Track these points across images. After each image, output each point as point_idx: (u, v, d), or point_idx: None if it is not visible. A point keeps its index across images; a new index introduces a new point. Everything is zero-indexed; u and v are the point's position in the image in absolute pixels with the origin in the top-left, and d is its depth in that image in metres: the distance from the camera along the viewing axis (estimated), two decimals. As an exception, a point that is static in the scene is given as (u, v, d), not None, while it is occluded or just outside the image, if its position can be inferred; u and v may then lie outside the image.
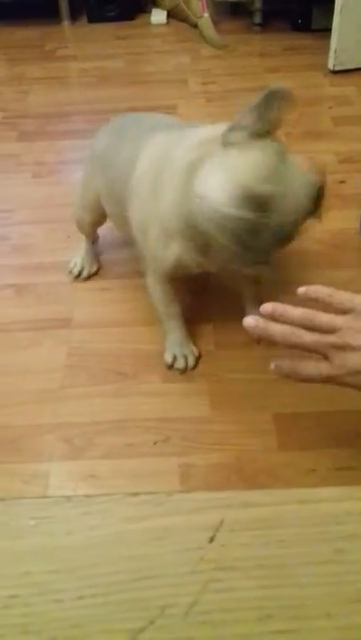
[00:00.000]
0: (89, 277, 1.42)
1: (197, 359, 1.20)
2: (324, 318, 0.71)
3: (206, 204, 0.84)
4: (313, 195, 0.88)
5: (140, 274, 1.22)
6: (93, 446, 1.06)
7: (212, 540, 0.36)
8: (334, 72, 2.18)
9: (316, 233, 1.48)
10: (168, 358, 1.19)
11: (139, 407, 1.12)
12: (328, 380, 0.73)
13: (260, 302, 1.29)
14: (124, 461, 1.04)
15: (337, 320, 0.71)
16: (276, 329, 0.72)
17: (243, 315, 1.31)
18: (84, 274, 1.42)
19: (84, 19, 2.82)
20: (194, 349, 1.21)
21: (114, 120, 1.29)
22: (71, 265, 1.42)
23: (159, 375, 1.18)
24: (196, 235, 0.92)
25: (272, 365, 0.78)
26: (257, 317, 0.74)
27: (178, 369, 1.18)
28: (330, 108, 2.02)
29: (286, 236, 0.88)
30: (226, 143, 0.87)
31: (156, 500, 0.39)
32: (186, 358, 1.19)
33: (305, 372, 0.75)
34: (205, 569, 0.35)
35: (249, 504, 0.37)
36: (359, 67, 2.13)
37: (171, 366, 1.19)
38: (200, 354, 1.21)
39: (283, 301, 0.75)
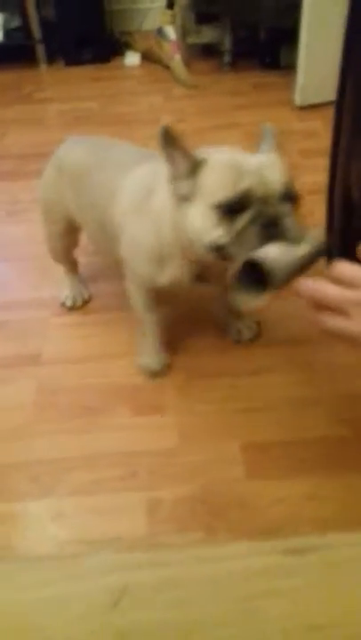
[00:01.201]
0: (84, 305, 1.44)
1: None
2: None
3: (195, 236, 0.90)
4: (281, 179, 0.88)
5: (110, 308, 1.24)
6: (61, 484, 1.06)
7: (116, 603, 0.35)
8: (301, 108, 2.25)
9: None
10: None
11: (107, 442, 1.12)
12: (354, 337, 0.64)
13: (240, 316, 1.30)
14: (92, 498, 1.03)
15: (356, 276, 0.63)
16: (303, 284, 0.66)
17: (213, 345, 1.33)
18: (78, 302, 1.44)
19: (62, 62, 2.90)
20: (163, 357, 1.25)
21: (78, 139, 1.30)
22: (62, 299, 1.44)
23: (128, 408, 1.18)
24: (193, 257, 0.98)
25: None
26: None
27: (151, 374, 1.24)
28: (297, 142, 2.07)
29: (269, 224, 0.84)
30: (180, 197, 0.91)
31: (62, 564, 0.38)
32: (158, 362, 1.25)
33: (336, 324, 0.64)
34: (108, 635, 0.34)
35: (155, 564, 0.37)
36: (324, 101, 2.19)
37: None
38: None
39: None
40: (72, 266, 1.46)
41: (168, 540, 0.96)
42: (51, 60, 2.91)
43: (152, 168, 1.05)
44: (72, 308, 1.44)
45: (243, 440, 1.10)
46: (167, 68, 2.69)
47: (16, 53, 2.89)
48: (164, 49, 2.69)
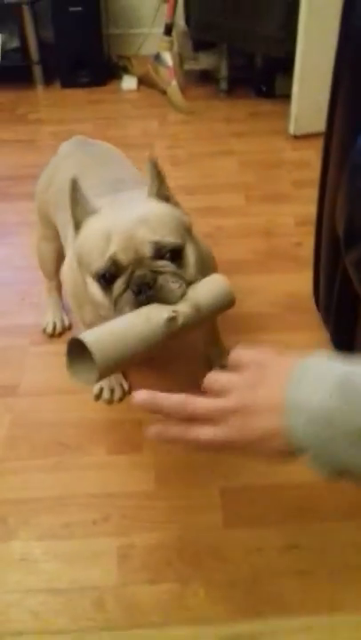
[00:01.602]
0: (63, 332, 1.40)
1: (126, 394, 1.23)
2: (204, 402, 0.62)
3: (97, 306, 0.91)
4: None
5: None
6: (29, 526, 1.00)
7: None
8: (295, 137, 2.23)
9: (271, 295, 1.47)
10: (95, 390, 1.22)
11: (80, 482, 1.07)
12: (225, 445, 0.61)
13: (225, 354, 1.26)
14: (61, 543, 0.98)
15: (226, 383, 0.62)
16: (166, 401, 0.63)
17: (194, 382, 1.29)
18: (58, 328, 1.40)
19: (58, 84, 2.90)
20: (123, 383, 1.24)
21: (78, 145, 1.28)
22: (44, 325, 1.41)
23: (104, 447, 1.13)
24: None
25: (152, 431, 0.65)
26: (145, 391, 0.65)
27: (104, 400, 1.21)
28: (290, 171, 2.05)
29: (141, 289, 0.83)
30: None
31: None
32: (112, 391, 1.22)
33: (195, 434, 0.61)
34: None
35: None
36: (318, 131, 2.17)
37: (98, 397, 1.22)
38: (130, 389, 1.23)
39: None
40: (56, 283, 1.42)
41: (140, 591, 0.91)
42: (47, 81, 2.90)
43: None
44: (52, 335, 1.40)
45: (221, 483, 1.05)
46: (163, 93, 2.69)
47: (13, 74, 2.89)
48: (160, 74, 2.69)
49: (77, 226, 0.90)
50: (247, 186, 1.97)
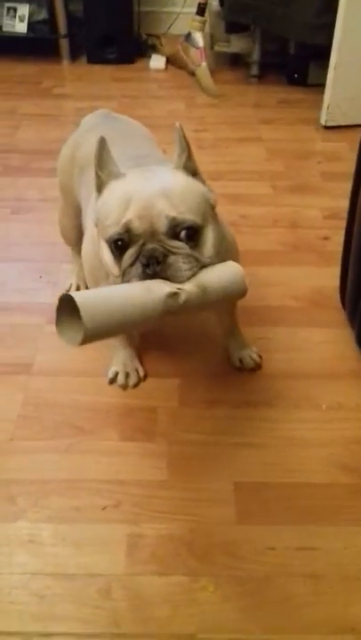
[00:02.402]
0: None
1: (142, 380, 1.20)
2: None
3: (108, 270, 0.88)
4: None
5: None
6: (38, 508, 0.98)
7: None
8: (326, 127, 2.18)
9: (294, 289, 1.44)
10: (110, 373, 1.20)
11: (91, 466, 1.05)
12: None
13: (243, 345, 1.22)
14: (69, 527, 0.96)
15: None
16: None
17: (211, 370, 1.26)
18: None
19: (84, 59, 2.84)
20: (139, 369, 1.21)
21: (102, 119, 1.25)
22: (67, 287, 1.42)
23: (117, 432, 1.11)
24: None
25: None
26: None
27: (119, 385, 1.19)
28: (319, 162, 2.00)
29: (150, 262, 0.81)
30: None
31: None
32: (128, 376, 1.19)
33: None
34: None
35: None
36: (351, 123, 2.13)
37: (112, 381, 1.19)
38: (145, 376, 1.21)
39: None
40: (79, 250, 1.40)
41: (148, 583, 0.89)
42: (74, 56, 2.84)
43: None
44: None
45: (235, 478, 1.03)
46: (192, 74, 2.63)
47: (39, 46, 2.84)
48: (190, 55, 2.63)
49: (100, 187, 0.86)
50: (274, 175, 1.93)
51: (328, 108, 2.14)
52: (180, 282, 0.80)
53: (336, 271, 1.46)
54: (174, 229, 0.82)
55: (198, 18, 2.56)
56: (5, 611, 0.86)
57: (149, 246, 0.81)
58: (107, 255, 0.85)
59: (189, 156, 0.88)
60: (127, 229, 0.81)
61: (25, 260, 1.53)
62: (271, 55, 2.64)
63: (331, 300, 1.38)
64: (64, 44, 2.80)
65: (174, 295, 0.79)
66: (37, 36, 2.79)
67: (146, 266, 0.81)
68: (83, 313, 0.73)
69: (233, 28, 2.56)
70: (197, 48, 2.58)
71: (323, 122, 2.18)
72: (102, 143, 0.84)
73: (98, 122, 1.25)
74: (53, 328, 1.32)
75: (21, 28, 2.75)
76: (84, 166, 1.15)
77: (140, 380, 1.20)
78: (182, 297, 0.79)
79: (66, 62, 2.83)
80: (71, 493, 1.01)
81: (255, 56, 2.59)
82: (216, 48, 2.74)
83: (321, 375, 1.22)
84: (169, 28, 2.94)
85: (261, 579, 0.90)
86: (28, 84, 2.60)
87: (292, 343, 1.29)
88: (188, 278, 0.81)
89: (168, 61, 2.80)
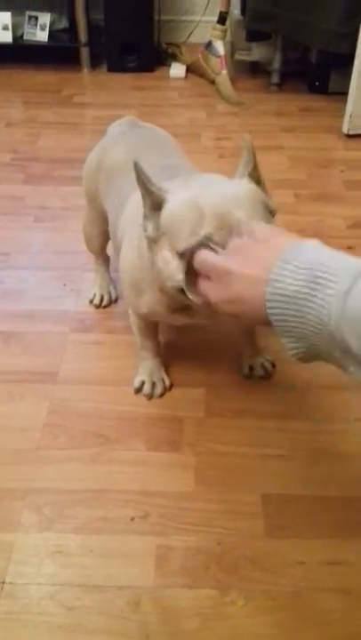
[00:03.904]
0: (109, 304, 1.42)
1: (167, 389, 1.20)
2: None
3: (164, 279, 0.86)
4: None
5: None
6: (64, 518, 0.98)
7: None
8: (349, 136, 2.17)
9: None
10: (136, 383, 1.19)
11: (118, 476, 1.04)
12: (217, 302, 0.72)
13: (257, 352, 1.23)
14: (97, 538, 0.95)
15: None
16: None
17: (238, 380, 1.25)
18: (105, 301, 1.42)
19: (104, 67, 2.86)
20: (165, 379, 1.21)
21: (130, 128, 1.24)
22: (90, 296, 1.42)
23: (143, 442, 1.10)
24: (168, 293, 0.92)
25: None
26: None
27: (145, 395, 1.18)
28: (342, 171, 1.99)
29: None
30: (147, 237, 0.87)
31: None
32: (154, 385, 1.19)
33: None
34: None
35: None
36: (374, 132, 2.12)
37: (138, 391, 1.19)
38: (171, 385, 1.21)
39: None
40: (103, 259, 1.43)
41: (177, 595, 0.88)
42: (94, 64, 2.86)
43: None
44: (98, 307, 1.41)
45: (264, 491, 1.02)
46: (212, 83, 2.64)
47: (60, 55, 2.86)
48: (211, 64, 2.64)
49: (157, 206, 0.83)
50: (297, 183, 1.92)
51: (351, 116, 2.13)
52: None
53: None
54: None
55: (219, 26, 2.57)
56: (34, 622, 0.85)
57: None
58: (173, 266, 0.82)
59: (255, 166, 0.87)
60: (204, 242, 0.78)
61: (48, 268, 1.54)
62: (292, 63, 2.63)
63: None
64: (84, 53, 2.82)
65: None
66: (58, 44, 2.82)
67: None
68: None
69: (254, 36, 2.56)
70: (218, 56, 2.59)
71: (345, 130, 2.17)
72: (138, 168, 0.82)
73: (124, 130, 1.25)
74: (78, 336, 1.34)
75: (42, 36, 2.77)
76: (112, 173, 1.15)
77: (165, 390, 1.19)
78: None
79: (86, 71, 2.85)
80: (98, 504, 1.00)
81: (276, 64, 2.59)
82: (237, 56, 2.74)
83: (349, 387, 1.20)
84: (189, 36, 2.96)
85: (291, 593, 0.89)
86: (49, 92, 2.62)
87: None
88: None
89: (188, 70, 2.81)
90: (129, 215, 1.04)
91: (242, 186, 0.83)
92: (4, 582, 0.89)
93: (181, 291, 0.83)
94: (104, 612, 0.86)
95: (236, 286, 0.67)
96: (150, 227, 0.84)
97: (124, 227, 1.05)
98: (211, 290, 0.72)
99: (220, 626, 0.85)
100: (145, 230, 0.86)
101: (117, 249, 1.11)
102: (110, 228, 1.17)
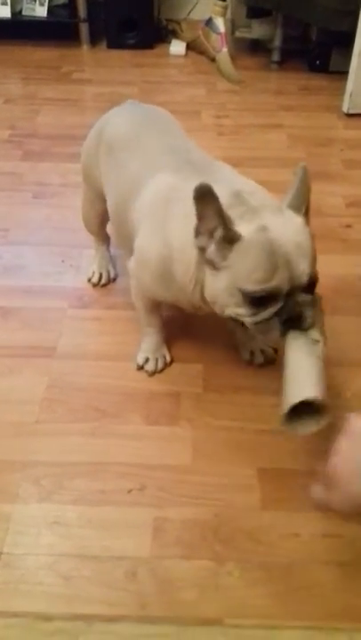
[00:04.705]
0: (107, 284, 1.41)
1: (168, 364, 1.21)
2: None
3: (214, 301, 0.93)
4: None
5: (133, 306, 1.16)
6: (63, 490, 0.99)
7: None
8: (349, 115, 2.15)
9: (320, 277, 1.42)
10: (140, 360, 1.20)
11: (116, 450, 1.05)
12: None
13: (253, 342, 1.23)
14: (95, 509, 0.96)
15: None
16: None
17: (235, 356, 1.26)
18: (103, 280, 1.41)
19: (104, 44, 2.82)
20: (166, 355, 1.21)
21: (131, 106, 1.23)
22: (89, 274, 1.42)
23: (141, 416, 1.11)
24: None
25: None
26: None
27: (147, 371, 1.19)
28: (341, 150, 1.98)
29: (290, 318, 0.88)
30: (205, 258, 0.89)
31: (74, 629, 0.31)
32: (156, 361, 1.20)
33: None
34: None
35: None
36: (375, 111, 2.10)
37: (141, 367, 1.20)
38: (172, 361, 1.22)
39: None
40: (102, 239, 1.42)
41: (174, 566, 0.89)
42: (93, 40, 2.83)
43: (178, 180, 0.98)
44: (96, 285, 1.40)
45: (260, 465, 1.03)
46: (213, 60, 2.61)
47: (59, 31, 2.82)
48: (211, 41, 2.61)
49: (229, 240, 0.85)
50: (296, 161, 1.89)
51: (351, 95, 2.11)
52: (307, 329, 0.87)
53: (359, 259, 1.45)
54: (311, 286, 0.87)
55: (220, 3, 2.53)
56: (32, 592, 0.86)
57: (294, 304, 0.86)
58: (227, 296, 0.89)
59: (308, 199, 0.92)
60: (274, 291, 0.85)
61: (47, 245, 1.53)
62: (293, 41, 2.60)
63: (354, 287, 1.37)
64: (84, 29, 2.78)
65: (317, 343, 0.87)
66: (57, 20, 2.78)
67: (287, 321, 0.87)
68: (324, 401, 0.83)
69: (255, 13, 2.53)
70: (218, 34, 2.55)
71: (345, 109, 2.15)
72: (206, 190, 0.82)
73: (123, 107, 1.24)
74: (76, 312, 1.34)
75: (41, 11, 2.73)
76: (112, 145, 1.14)
77: (165, 365, 1.20)
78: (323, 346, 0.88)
79: (85, 47, 2.81)
80: (96, 476, 1.01)
81: (277, 42, 2.56)
82: (237, 34, 2.71)
83: (346, 363, 1.21)
84: (189, 13, 2.91)
85: (287, 565, 0.90)
86: (48, 68, 2.59)
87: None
88: (312, 325, 0.87)
89: (188, 47, 2.77)
90: (148, 204, 1.02)
91: (303, 230, 0.87)
92: (1, 552, 0.90)
93: (230, 318, 0.91)
94: (101, 583, 0.87)
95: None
96: (217, 255, 0.87)
97: (142, 214, 1.03)
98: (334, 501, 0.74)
99: (216, 596, 0.86)
100: (205, 251, 0.88)
101: (125, 230, 1.10)
102: (112, 208, 1.16)
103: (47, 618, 0.83)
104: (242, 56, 2.67)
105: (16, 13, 2.74)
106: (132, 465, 1.03)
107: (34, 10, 2.74)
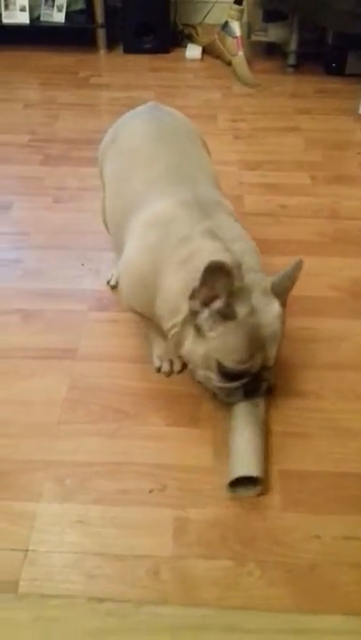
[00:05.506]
0: None
1: (186, 366, 1.20)
2: None
3: (188, 357, 1.03)
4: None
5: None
6: (85, 489, 1.00)
7: None
8: (365, 118, 2.16)
9: (334, 279, 1.43)
10: (155, 362, 1.22)
11: (137, 450, 1.06)
12: None
13: None
14: (117, 509, 0.98)
15: None
16: None
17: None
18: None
19: (120, 49, 2.85)
20: (171, 359, 1.22)
21: (149, 111, 1.24)
22: (108, 277, 1.44)
23: (162, 417, 1.12)
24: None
25: None
26: None
27: (163, 372, 1.20)
28: (358, 153, 1.99)
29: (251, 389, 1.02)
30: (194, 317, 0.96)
31: (124, 611, 0.32)
32: (171, 363, 1.21)
33: None
34: None
35: (232, 628, 0.31)
36: (391, 114, 2.10)
37: (159, 369, 1.21)
38: None
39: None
40: None
41: (195, 566, 0.90)
42: (110, 45, 2.86)
43: (181, 216, 1.01)
44: (115, 287, 1.41)
45: (281, 466, 1.04)
46: (228, 64, 2.62)
47: (76, 36, 2.85)
48: (227, 44, 2.62)
49: (225, 316, 0.93)
50: (313, 165, 1.91)
51: (368, 98, 2.12)
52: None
53: (378, 262, 1.45)
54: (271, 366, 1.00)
55: (236, 7, 2.55)
56: (56, 589, 0.88)
57: (257, 381, 1.00)
58: (202, 359, 0.98)
59: (290, 290, 1.00)
60: (246, 370, 0.96)
61: (67, 248, 1.55)
62: (309, 44, 2.62)
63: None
64: (101, 34, 2.81)
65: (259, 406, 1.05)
66: (75, 25, 2.81)
67: (248, 392, 1.01)
68: (260, 475, 0.97)
69: (271, 16, 2.54)
70: (234, 37, 2.57)
71: (362, 112, 2.16)
72: (220, 266, 0.89)
73: (143, 110, 1.25)
74: (97, 315, 1.36)
75: (59, 17, 2.76)
76: (123, 151, 1.16)
77: (183, 367, 1.21)
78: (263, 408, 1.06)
79: (102, 52, 2.84)
80: (118, 476, 1.02)
81: (293, 45, 2.57)
82: (253, 37, 2.72)
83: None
84: (205, 17, 2.94)
85: (307, 566, 0.91)
86: (66, 73, 2.62)
87: (335, 334, 1.29)
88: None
89: (204, 51, 2.79)
90: (143, 226, 1.04)
91: (280, 318, 0.97)
92: (27, 550, 0.92)
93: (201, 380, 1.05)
94: (124, 581, 0.89)
95: None
96: (207, 324, 0.94)
97: (135, 233, 1.05)
98: None
99: (237, 596, 0.87)
100: (197, 315, 0.95)
101: (117, 236, 1.14)
102: (110, 210, 1.18)
103: (99, 599, 0.85)
104: (258, 60, 2.69)
105: (34, 19, 2.77)
106: (152, 465, 1.04)
107: (52, 16, 2.78)
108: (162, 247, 1.00)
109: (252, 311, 0.92)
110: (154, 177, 1.09)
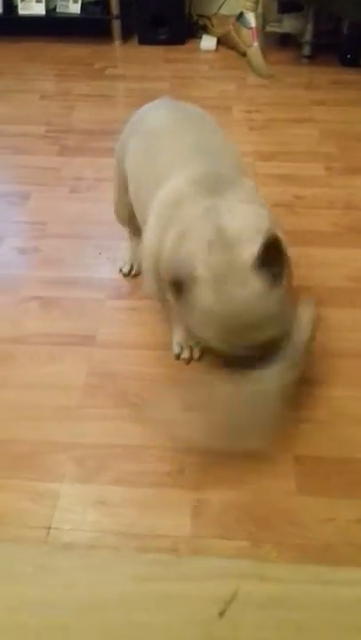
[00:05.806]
0: (138, 274, 1.43)
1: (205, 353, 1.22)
2: None
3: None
4: None
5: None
6: (105, 470, 1.03)
7: (222, 614, 0.32)
8: (381, 109, 2.16)
9: (349, 270, 1.45)
10: (175, 349, 1.23)
11: (154, 434, 1.09)
12: None
13: None
14: (136, 490, 1.01)
15: None
16: None
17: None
18: (134, 270, 1.45)
19: (135, 40, 2.86)
20: (190, 344, 1.23)
21: (168, 102, 1.26)
22: (121, 265, 1.46)
23: (179, 401, 1.15)
24: None
25: None
26: None
27: (183, 359, 1.22)
28: (374, 144, 1.99)
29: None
30: None
31: (166, 562, 0.35)
32: (191, 350, 1.23)
33: None
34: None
35: (265, 578, 0.34)
36: None
37: (178, 356, 1.23)
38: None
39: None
40: (133, 230, 1.43)
41: (213, 546, 0.93)
42: (125, 37, 2.87)
43: (189, 194, 1.02)
44: (127, 275, 1.44)
45: (296, 452, 1.06)
46: (243, 55, 2.63)
47: (91, 27, 2.86)
48: (242, 35, 2.62)
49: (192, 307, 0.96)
50: (328, 156, 1.92)
51: (383, 89, 2.12)
52: None
53: (393, 253, 1.47)
54: None
55: (252, -3, 2.55)
56: (77, 566, 0.91)
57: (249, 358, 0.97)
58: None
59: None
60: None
61: (84, 238, 1.58)
62: (324, 35, 2.61)
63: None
64: (116, 25, 2.82)
65: None
66: (90, 16, 2.82)
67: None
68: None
69: (286, 7, 2.54)
70: (249, 28, 2.57)
71: (377, 103, 2.16)
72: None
73: (160, 102, 1.27)
74: (114, 303, 1.38)
75: (75, 8, 2.78)
76: (148, 136, 1.17)
77: (203, 354, 1.23)
78: None
79: (117, 43, 2.86)
80: (136, 458, 1.05)
81: (308, 36, 2.57)
82: (268, 28, 2.72)
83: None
84: (220, 8, 2.93)
85: (323, 547, 0.93)
86: (82, 65, 2.64)
87: (350, 323, 1.31)
88: None
89: (219, 42, 2.79)
90: (159, 201, 1.05)
91: (261, 299, 0.93)
92: (50, 527, 0.95)
93: None
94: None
95: None
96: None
97: (153, 207, 1.07)
98: None
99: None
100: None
101: (142, 217, 1.15)
102: (134, 195, 1.20)
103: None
104: (272, 50, 2.69)
105: (50, 10, 2.79)
106: (170, 448, 1.06)
107: (67, 7, 2.79)
108: (166, 226, 1.02)
109: (217, 301, 0.91)
110: (177, 153, 1.10)
